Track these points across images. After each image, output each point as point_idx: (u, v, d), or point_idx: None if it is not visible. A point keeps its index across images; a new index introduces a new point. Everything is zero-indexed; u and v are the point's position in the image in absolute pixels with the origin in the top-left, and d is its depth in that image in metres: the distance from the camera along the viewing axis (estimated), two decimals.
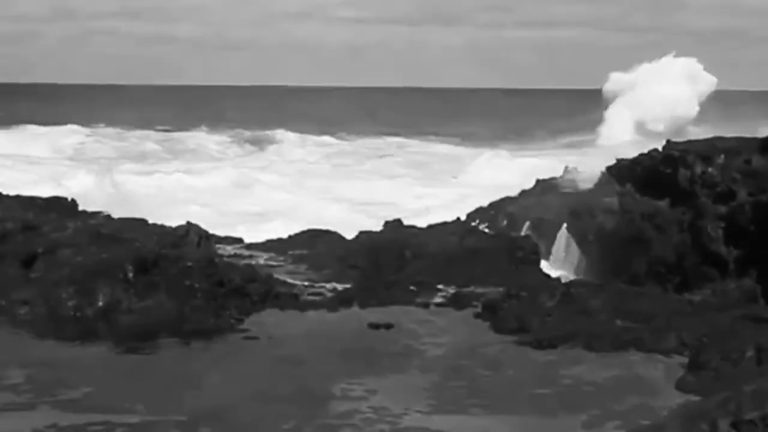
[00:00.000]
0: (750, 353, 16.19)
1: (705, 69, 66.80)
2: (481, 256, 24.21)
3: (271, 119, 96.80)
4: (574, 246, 28.90)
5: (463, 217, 29.00)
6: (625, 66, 72.46)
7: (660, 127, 57.67)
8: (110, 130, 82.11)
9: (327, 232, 27.20)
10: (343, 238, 26.41)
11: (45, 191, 26.44)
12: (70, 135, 74.89)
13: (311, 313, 20.39)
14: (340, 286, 22.50)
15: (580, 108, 74.14)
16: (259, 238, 28.08)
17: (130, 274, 19.78)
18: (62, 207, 21.88)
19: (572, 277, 26.26)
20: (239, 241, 28.60)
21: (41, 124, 79.39)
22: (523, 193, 32.19)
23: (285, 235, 27.45)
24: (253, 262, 23.97)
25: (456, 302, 21.43)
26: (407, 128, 79.53)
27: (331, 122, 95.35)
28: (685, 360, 17.00)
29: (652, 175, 26.73)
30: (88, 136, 76.51)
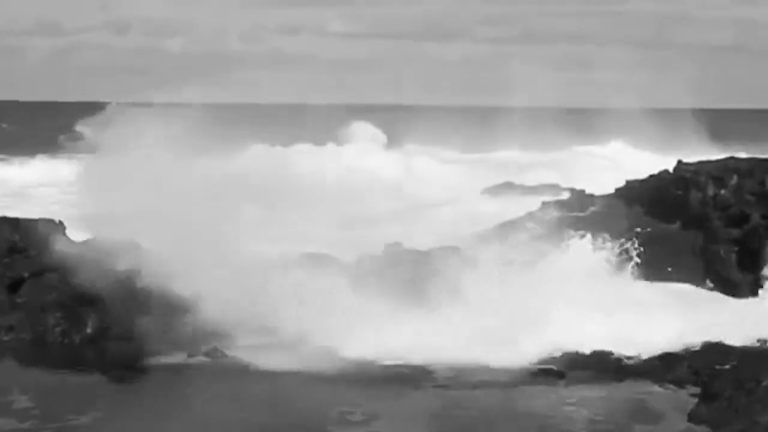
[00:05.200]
0: (765, 383, 15.63)
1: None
2: None
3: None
4: None
5: None
6: None
7: None
8: None
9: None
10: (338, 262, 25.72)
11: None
12: None
13: None
14: None
15: None
16: None
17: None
18: (50, 229, 21.50)
19: None
20: None
21: None
22: (529, 215, 31.74)
23: None
24: None
25: None
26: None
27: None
28: (698, 390, 16.48)
29: (663, 196, 26.25)
30: None
